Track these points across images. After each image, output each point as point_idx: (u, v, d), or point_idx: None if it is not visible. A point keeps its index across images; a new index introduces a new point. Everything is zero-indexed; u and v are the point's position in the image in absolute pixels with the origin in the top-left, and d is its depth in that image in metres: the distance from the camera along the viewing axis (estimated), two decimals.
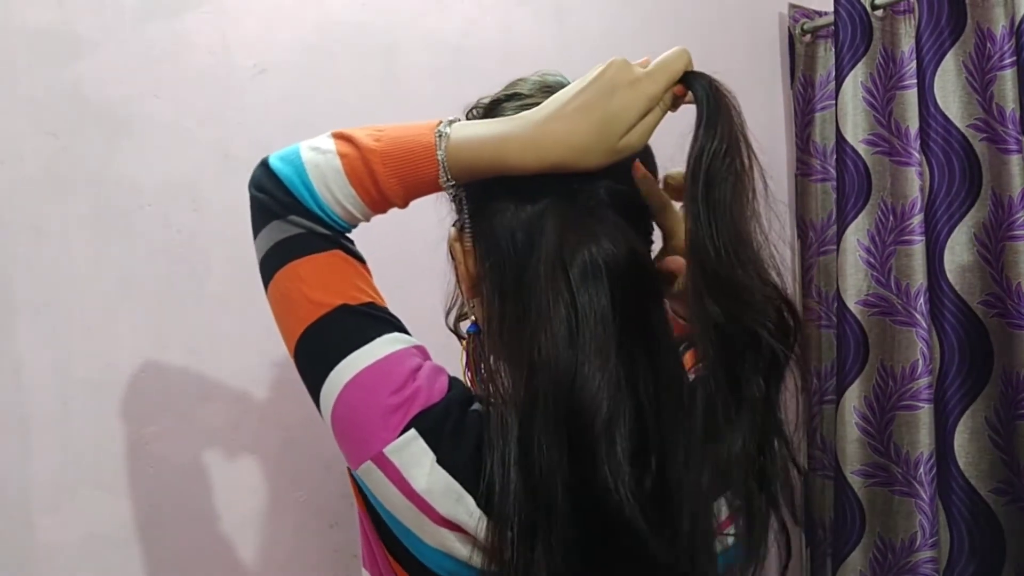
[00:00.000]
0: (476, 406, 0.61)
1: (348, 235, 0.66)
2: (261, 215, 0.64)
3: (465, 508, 0.58)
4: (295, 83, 1.15)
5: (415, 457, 0.58)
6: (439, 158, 0.60)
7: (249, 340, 1.08)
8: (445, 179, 0.61)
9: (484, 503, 0.57)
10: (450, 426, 0.59)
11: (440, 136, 0.61)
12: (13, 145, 0.95)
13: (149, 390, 1.03)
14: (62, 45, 0.98)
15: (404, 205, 0.65)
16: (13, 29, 0.95)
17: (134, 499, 1.02)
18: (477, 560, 0.58)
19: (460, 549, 0.59)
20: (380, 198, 0.63)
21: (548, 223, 0.60)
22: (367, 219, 0.66)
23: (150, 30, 1.04)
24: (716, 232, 0.56)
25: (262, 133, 1.12)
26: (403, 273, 1.08)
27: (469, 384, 0.69)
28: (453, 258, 0.69)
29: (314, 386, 0.62)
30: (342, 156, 0.61)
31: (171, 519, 1.05)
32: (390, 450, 0.58)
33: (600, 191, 0.63)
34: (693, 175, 0.57)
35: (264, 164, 0.64)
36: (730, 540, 0.63)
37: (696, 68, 0.61)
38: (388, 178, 0.61)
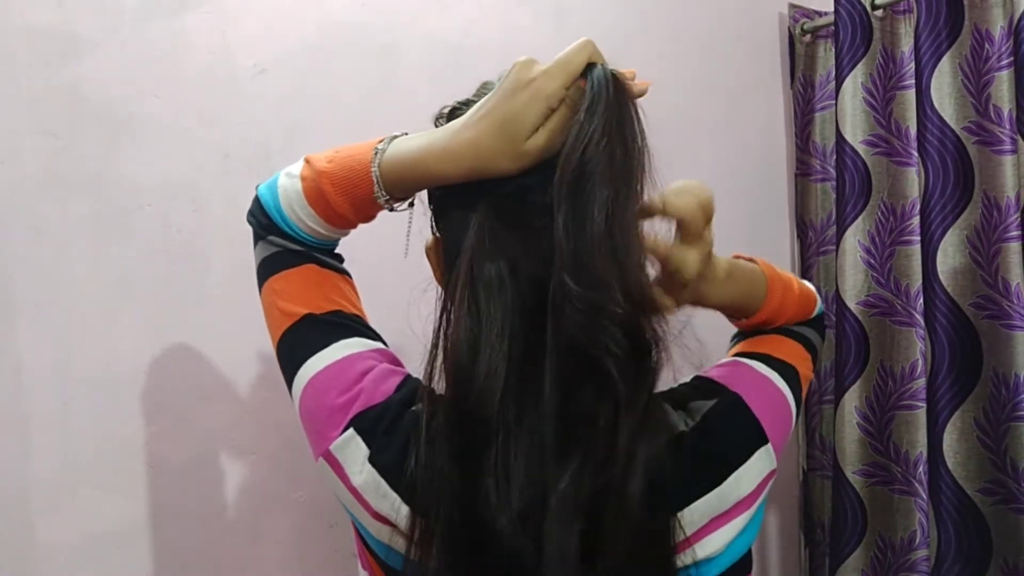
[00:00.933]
0: (417, 407, 0.63)
1: (329, 249, 0.70)
2: (253, 237, 0.70)
3: (390, 504, 0.61)
4: (295, 83, 1.15)
5: (352, 454, 0.62)
6: (373, 175, 0.62)
7: (249, 340, 1.08)
8: (379, 194, 0.63)
9: (408, 499, 0.60)
10: (384, 426, 0.62)
11: (376, 153, 0.62)
12: (13, 145, 0.95)
13: (149, 390, 1.04)
14: (62, 45, 0.98)
15: (365, 220, 0.68)
16: (13, 29, 0.95)
17: (134, 499, 1.03)
18: (408, 553, 0.60)
19: (393, 541, 0.62)
20: (336, 216, 0.65)
21: (471, 233, 0.61)
22: (338, 235, 0.70)
23: (150, 30, 1.04)
24: (575, 232, 0.54)
25: (262, 133, 1.12)
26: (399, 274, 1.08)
27: None
28: (430, 263, 0.72)
29: (288, 388, 0.68)
30: (303, 179, 0.65)
31: (171, 519, 1.05)
32: (334, 447, 0.63)
33: (533, 196, 0.60)
34: (564, 163, 0.54)
35: (255, 192, 0.70)
36: (702, 553, 0.61)
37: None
38: (337, 197, 0.64)
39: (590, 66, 0.58)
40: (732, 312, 0.75)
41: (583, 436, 0.56)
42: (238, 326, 1.08)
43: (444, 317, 0.62)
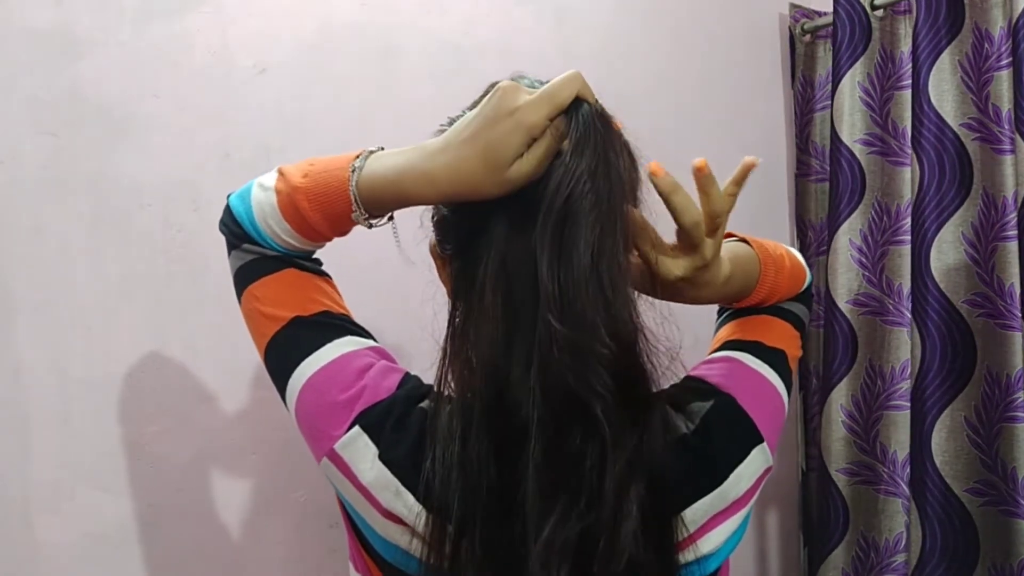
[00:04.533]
0: (425, 404, 0.63)
1: (307, 255, 0.69)
2: (227, 246, 0.70)
3: (403, 502, 0.60)
4: (295, 83, 1.15)
5: (360, 452, 0.62)
6: (351, 194, 0.61)
7: (249, 340, 1.08)
8: (357, 213, 0.62)
9: (423, 498, 0.59)
10: (392, 422, 0.62)
11: (353, 171, 0.61)
12: (13, 145, 0.95)
13: (149, 390, 1.04)
14: (62, 45, 0.98)
15: (340, 235, 0.67)
16: (13, 29, 0.95)
17: (134, 499, 1.03)
18: (419, 552, 0.60)
19: (403, 541, 0.61)
20: (311, 231, 0.65)
21: (497, 231, 0.60)
22: (313, 248, 0.69)
23: (150, 30, 1.04)
24: (561, 277, 0.53)
25: (262, 133, 1.12)
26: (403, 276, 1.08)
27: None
28: (435, 263, 0.71)
29: (281, 393, 0.67)
30: (277, 193, 0.64)
31: (171, 519, 1.05)
32: (339, 446, 0.62)
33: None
34: (547, 205, 0.54)
35: (227, 201, 0.70)
36: (704, 549, 0.63)
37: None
38: (313, 213, 0.63)
39: (577, 102, 0.57)
40: (726, 303, 0.76)
41: (569, 478, 0.56)
42: (238, 326, 1.07)
43: (466, 312, 0.61)
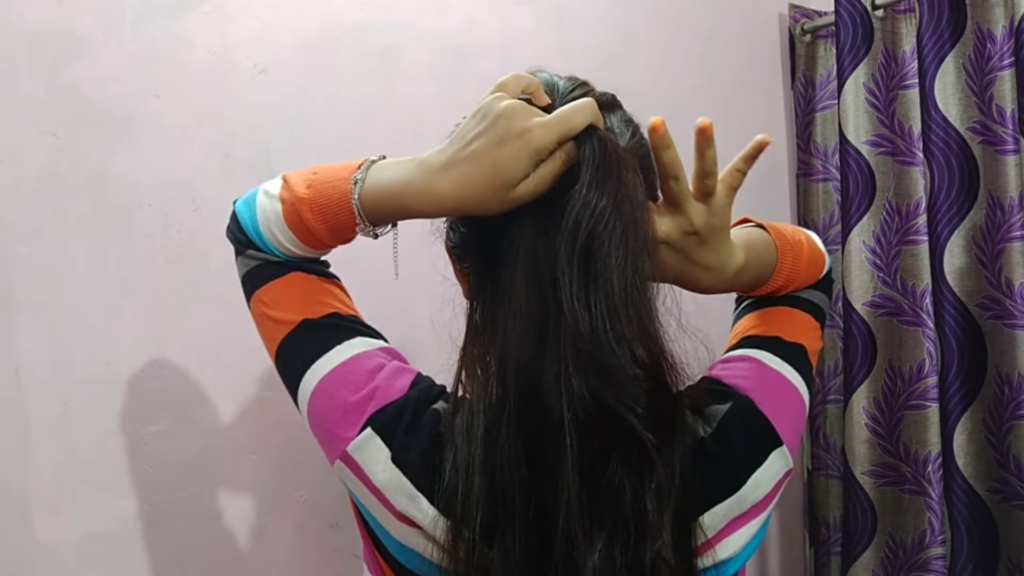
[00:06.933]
0: (439, 405, 0.62)
1: (311, 260, 0.69)
2: (234, 252, 0.70)
3: (417, 506, 0.59)
4: (295, 83, 1.15)
5: (372, 454, 0.61)
6: (354, 206, 0.61)
7: (249, 340, 1.08)
8: (361, 225, 0.62)
9: (442, 503, 0.58)
10: (404, 424, 0.61)
11: (356, 183, 0.61)
12: (13, 145, 0.95)
13: (149, 390, 1.03)
14: (62, 45, 0.98)
15: (344, 243, 0.67)
16: (13, 29, 0.95)
17: (134, 499, 1.02)
18: (435, 557, 0.59)
19: (419, 545, 0.60)
20: (315, 240, 0.65)
21: (525, 230, 0.58)
22: (315, 256, 0.69)
23: (150, 30, 1.04)
24: (592, 304, 0.53)
25: (262, 133, 1.12)
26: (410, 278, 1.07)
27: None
28: (451, 261, 0.70)
29: (292, 397, 0.67)
30: (282, 202, 0.64)
31: (171, 519, 1.05)
32: (352, 448, 0.61)
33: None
34: (571, 237, 0.53)
35: (233, 207, 0.69)
36: (723, 554, 0.61)
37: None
38: (317, 224, 0.63)
39: (588, 130, 0.56)
40: (743, 291, 0.75)
41: (610, 505, 0.55)
42: (238, 325, 1.08)
43: (491, 313, 0.60)
